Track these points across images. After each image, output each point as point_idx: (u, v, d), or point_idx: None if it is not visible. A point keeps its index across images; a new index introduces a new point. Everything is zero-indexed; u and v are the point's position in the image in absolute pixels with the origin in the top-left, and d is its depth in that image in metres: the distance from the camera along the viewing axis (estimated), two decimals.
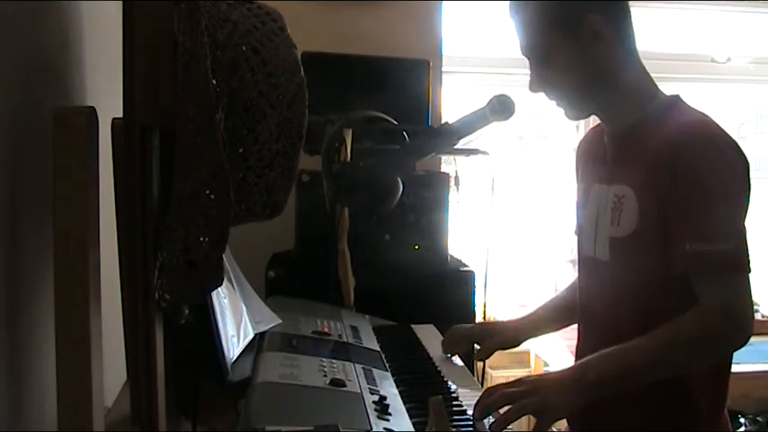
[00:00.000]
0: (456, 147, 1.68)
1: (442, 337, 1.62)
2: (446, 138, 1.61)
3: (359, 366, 1.26)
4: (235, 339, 1.15)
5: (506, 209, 3.18)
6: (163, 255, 0.85)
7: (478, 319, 2.07)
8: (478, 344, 1.56)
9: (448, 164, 2.40)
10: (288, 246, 2.03)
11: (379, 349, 1.45)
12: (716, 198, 1.19)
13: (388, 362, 1.38)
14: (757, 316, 3.15)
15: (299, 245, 1.99)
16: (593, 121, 1.44)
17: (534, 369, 3.12)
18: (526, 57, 1.34)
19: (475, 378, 1.55)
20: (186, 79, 0.85)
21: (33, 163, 0.92)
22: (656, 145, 1.24)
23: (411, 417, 1.11)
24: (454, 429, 1.11)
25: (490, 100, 1.52)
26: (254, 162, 0.96)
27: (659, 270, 1.23)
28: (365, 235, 1.88)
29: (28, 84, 0.92)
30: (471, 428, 1.15)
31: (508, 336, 1.57)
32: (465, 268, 2.04)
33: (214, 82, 0.88)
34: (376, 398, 1.12)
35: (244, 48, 0.93)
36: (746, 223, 1.21)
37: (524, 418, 1.15)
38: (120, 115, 0.89)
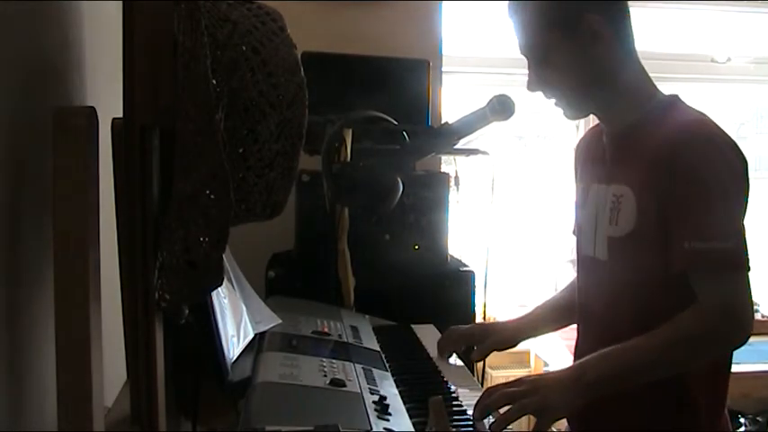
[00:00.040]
0: (456, 147, 1.68)
1: None
2: (446, 138, 1.61)
3: (359, 366, 1.26)
4: (235, 339, 1.15)
5: (506, 209, 3.18)
6: (163, 255, 0.85)
7: (479, 319, 2.07)
8: (475, 345, 1.56)
9: (448, 164, 2.40)
10: (288, 246, 2.03)
11: (379, 349, 1.45)
12: (715, 197, 1.19)
13: (388, 362, 1.38)
14: (757, 316, 3.15)
15: (299, 245, 1.99)
16: (593, 120, 1.44)
17: (534, 369, 3.12)
18: (525, 56, 1.34)
19: (475, 378, 1.55)
20: (186, 79, 0.85)
21: (33, 163, 0.92)
22: (655, 144, 1.25)
23: (411, 417, 1.11)
24: (454, 429, 1.11)
25: (490, 100, 1.52)
26: (254, 162, 0.96)
27: (658, 269, 1.23)
28: (365, 235, 1.88)
29: (28, 84, 0.92)
30: (471, 428, 1.15)
31: (505, 336, 1.56)
32: (465, 268, 2.04)
33: (214, 82, 0.88)
34: (376, 398, 1.12)
35: (244, 48, 0.93)
36: (746, 223, 1.21)
37: (524, 418, 1.15)
38: (120, 115, 0.89)
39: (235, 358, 1.12)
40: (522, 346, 3.06)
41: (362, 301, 1.81)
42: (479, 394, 1.19)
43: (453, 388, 1.33)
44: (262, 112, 0.95)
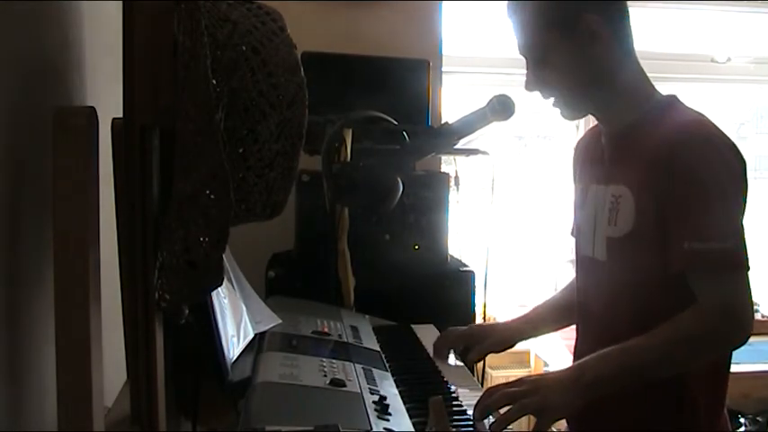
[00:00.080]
0: (456, 147, 1.68)
1: None
2: (446, 138, 1.61)
3: (359, 366, 1.26)
4: (235, 339, 1.15)
5: (506, 209, 3.18)
6: (163, 255, 0.85)
7: (479, 319, 2.07)
8: (472, 346, 1.56)
9: (448, 164, 2.40)
10: (288, 246, 2.03)
11: (379, 349, 1.45)
12: (713, 197, 1.20)
13: (388, 362, 1.38)
14: (757, 316, 3.15)
15: (299, 245, 1.99)
16: (593, 121, 1.44)
17: (534, 369, 3.12)
18: (523, 56, 1.34)
19: (475, 378, 1.55)
20: (186, 79, 0.85)
21: (33, 163, 0.92)
22: (654, 145, 1.25)
23: (411, 417, 1.11)
24: (454, 429, 1.11)
25: (490, 100, 1.52)
26: (254, 162, 0.96)
27: (656, 269, 1.23)
28: (365, 235, 1.88)
29: (28, 84, 0.92)
30: (471, 428, 1.15)
31: (502, 337, 1.56)
32: (465, 268, 2.04)
33: (214, 82, 0.88)
34: (376, 398, 1.12)
35: (244, 48, 0.93)
36: (745, 223, 1.21)
37: (524, 418, 1.15)
38: (120, 115, 0.89)
39: (235, 358, 1.12)
40: (522, 346, 3.06)
41: (362, 301, 1.81)
42: (479, 394, 1.19)
43: (453, 388, 1.33)
44: (262, 112, 0.95)
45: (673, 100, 1.33)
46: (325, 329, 1.45)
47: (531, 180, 3.53)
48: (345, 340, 1.43)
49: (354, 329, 1.53)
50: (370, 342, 1.48)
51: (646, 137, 1.28)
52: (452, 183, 2.05)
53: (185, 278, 0.86)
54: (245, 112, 0.94)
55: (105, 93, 1.19)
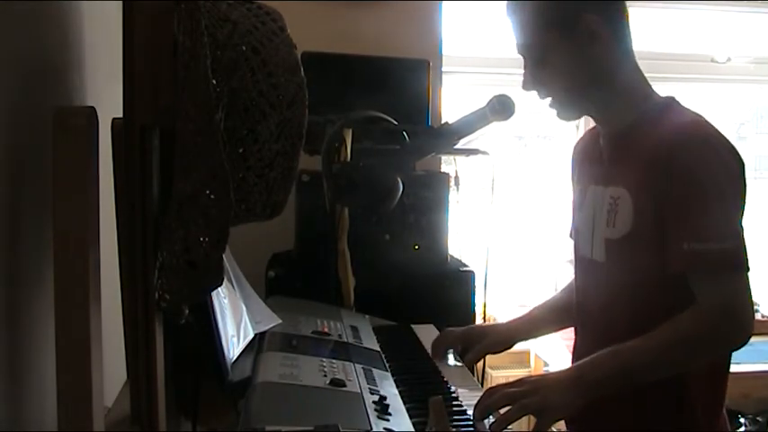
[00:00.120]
0: (456, 147, 1.68)
1: None
2: (446, 138, 1.61)
3: (359, 366, 1.26)
4: (235, 339, 1.15)
5: (506, 209, 3.18)
6: (163, 255, 0.85)
7: (479, 319, 2.07)
8: (470, 346, 1.55)
9: (448, 164, 2.40)
10: (288, 246, 2.03)
11: (379, 349, 1.45)
12: (712, 198, 1.20)
13: (388, 362, 1.38)
14: (757, 316, 3.15)
15: (299, 245, 1.99)
16: (593, 121, 1.44)
17: (534, 369, 3.12)
18: (521, 55, 1.34)
19: (475, 378, 1.55)
20: (186, 79, 0.85)
21: (33, 163, 0.92)
22: (652, 146, 1.25)
23: (411, 417, 1.11)
24: (454, 429, 1.11)
25: (490, 100, 1.52)
26: (254, 162, 0.96)
27: (655, 270, 1.23)
28: (365, 235, 1.88)
29: (28, 84, 0.92)
30: (471, 428, 1.15)
31: (500, 338, 1.56)
32: (465, 268, 2.04)
33: (214, 82, 0.88)
34: (376, 398, 1.12)
35: (244, 48, 0.93)
36: (744, 223, 1.21)
37: (525, 419, 1.15)
38: (120, 115, 0.89)
39: (235, 358, 1.12)
40: (522, 346, 3.06)
41: (362, 301, 1.81)
42: (479, 394, 1.19)
43: (453, 388, 1.33)
44: (262, 112, 0.95)
45: (671, 101, 1.34)
46: (325, 329, 1.45)
47: (531, 180, 3.53)
48: (345, 340, 1.43)
49: (354, 329, 1.53)
50: (370, 342, 1.48)
51: (644, 138, 1.28)
52: (452, 183, 2.05)
53: (185, 278, 0.86)
54: (245, 112, 0.94)
55: (105, 93, 1.18)
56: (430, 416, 1.03)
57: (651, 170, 1.23)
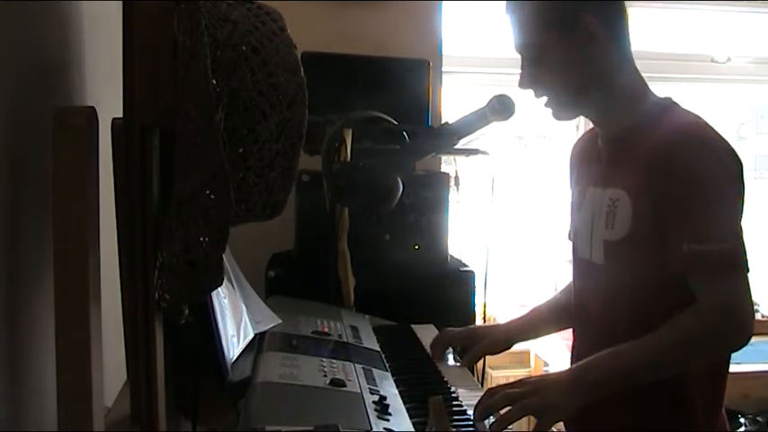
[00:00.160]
0: (456, 147, 1.68)
1: None
2: (446, 138, 1.61)
3: (359, 366, 1.26)
4: (235, 339, 1.15)
5: (506, 209, 3.18)
6: (163, 255, 0.85)
7: (479, 319, 2.07)
8: (469, 347, 1.55)
9: (448, 164, 2.40)
10: (288, 246, 2.03)
11: (379, 349, 1.45)
12: (711, 199, 1.20)
13: (388, 362, 1.38)
14: (757, 316, 3.15)
15: (299, 245, 1.99)
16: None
17: (534, 369, 3.12)
18: (519, 54, 1.34)
19: (475, 378, 1.55)
20: (186, 79, 0.85)
21: (33, 163, 0.92)
22: (651, 147, 1.25)
23: (411, 417, 1.11)
24: (454, 429, 1.11)
25: (490, 100, 1.52)
26: (254, 162, 0.96)
27: (654, 271, 1.23)
28: (365, 235, 1.88)
29: (28, 83, 0.92)
30: (471, 428, 1.15)
31: (498, 338, 1.56)
32: (465, 268, 2.04)
33: (214, 82, 0.88)
34: (376, 398, 1.12)
35: (244, 48, 0.93)
36: (744, 224, 1.21)
37: (525, 419, 1.15)
38: (120, 115, 0.89)
39: (235, 358, 1.12)
40: (522, 346, 3.06)
41: (362, 301, 1.81)
42: (479, 394, 1.19)
43: (453, 388, 1.33)
44: (262, 112, 0.95)
45: (668, 102, 1.33)
46: (325, 329, 1.45)
47: (531, 180, 3.53)
48: (345, 340, 1.43)
49: (354, 329, 1.53)
50: (370, 342, 1.48)
51: (642, 139, 1.28)
52: (452, 183, 2.04)
53: (185, 278, 0.86)
54: (245, 112, 0.94)
55: (105, 93, 1.18)
56: (430, 416, 1.03)
57: (650, 172, 1.23)
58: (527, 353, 3.15)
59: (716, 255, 1.17)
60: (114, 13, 0.94)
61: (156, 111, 0.86)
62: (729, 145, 1.25)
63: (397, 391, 1.21)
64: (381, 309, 1.80)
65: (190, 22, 0.85)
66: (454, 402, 1.24)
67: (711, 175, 1.21)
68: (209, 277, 0.89)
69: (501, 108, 1.51)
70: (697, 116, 1.30)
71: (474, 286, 2.03)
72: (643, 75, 1.36)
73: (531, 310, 1.63)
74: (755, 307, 2.97)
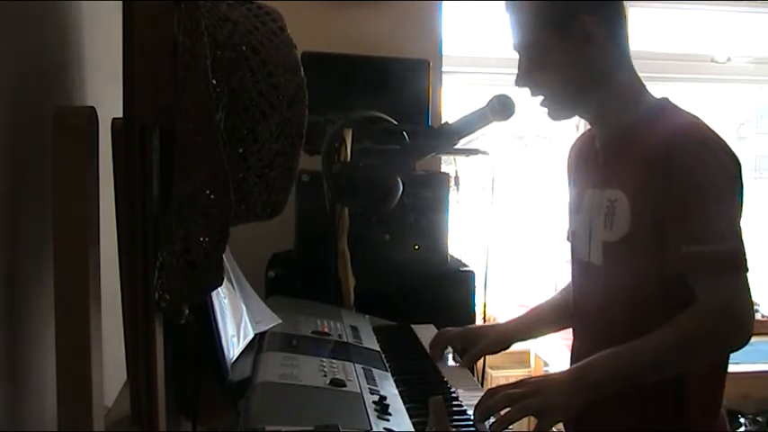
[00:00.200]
0: (456, 147, 1.68)
1: None
2: (446, 138, 1.61)
3: (359, 366, 1.26)
4: (235, 339, 1.15)
5: (506, 209, 3.18)
6: (163, 255, 0.85)
7: (479, 318, 2.07)
8: (467, 347, 1.55)
9: (448, 164, 2.40)
10: (288, 246, 2.03)
11: (379, 349, 1.45)
12: (710, 199, 1.20)
13: (388, 362, 1.38)
14: (757, 316, 3.15)
15: (299, 245, 1.99)
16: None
17: (534, 369, 3.12)
18: (517, 52, 1.34)
19: (475, 378, 1.55)
20: (186, 79, 0.85)
21: (33, 163, 0.92)
22: (649, 147, 1.25)
23: (411, 417, 1.11)
24: (454, 429, 1.11)
25: (490, 100, 1.52)
26: (254, 162, 0.96)
27: (653, 272, 1.23)
28: (365, 235, 1.88)
29: (28, 84, 0.92)
30: (471, 428, 1.15)
31: (498, 338, 1.56)
32: (465, 268, 2.04)
33: (214, 82, 0.88)
34: (376, 398, 1.12)
35: (244, 48, 0.93)
36: (743, 224, 1.21)
37: (525, 419, 1.15)
38: (120, 115, 0.89)
39: (235, 358, 1.12)
40: (522, 346, 3.06)
41: (362, 301, 1.81)
42: (479, 394, 1.19)
43: (453, 388, 1.33)
44: (262, 112, 0.95)
45: (665, 102, 1.33)
46: (325, 329, 1.45)
47: (531, 180, 3.53)
48: (345, 340, 1.43)
49: (354, 329, 1.53)
50: (370, 342, 1.48)
51: (640, 140, 1.28)
52: (452, 183, 2.04)
53: (185, 278, 0.86)
54: (245, 112, 0.94)
55: (105, 93, 1.18)
56: (430, 416, 1.03)
57: (648, 172, 1.23)
58: (527, 353, 3.15)
59: (715, 255, 1.17)
60: (114, 13, 0.94)
61: (156, 111, 0.86)
62: (727, 145, 1.25)
63: (396, 391, 1.21)
64: (381, 309, 1.80)
65: (190, 22, 0.85)
66: (454, 402, 1.24)
67: (710, 175, 1.21)
68: (209, 277, 0.89)
69: (501, 108, 1.51)
70: (694, 116, 1.30)
71: (474, 286, 2.03)
72: (643, 75, 1.36)
73: (531, 310, 1.63)
74: (755, 307, 2.98)
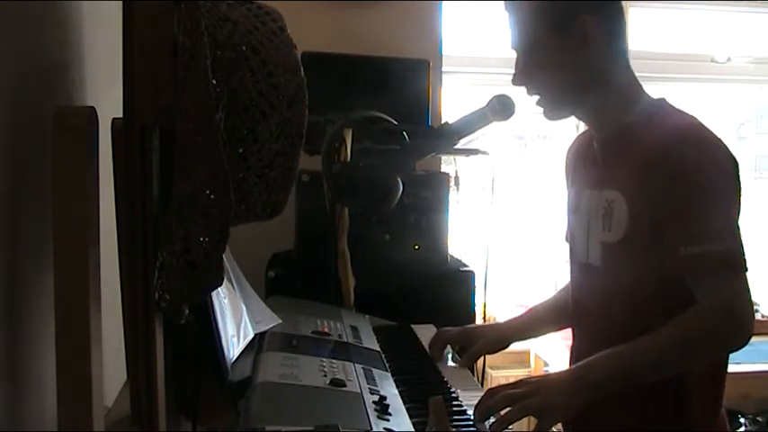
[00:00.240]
0: (456, 147, 1.68)
1: None
2: (446, 138, 1.61)
3: (359, 366, 1.26)
4: (235, 339, 1.15)
5: (506, 209, 3.18)
6: (163, 255, 0.85)
7: (479, 318, 2.07)
8: (466, 347, 1.55)
9: (448, 164, 2.40)
10: (288, 246, 2.03)
11: (379, 349, 1.45)
12: (709, 199, 1.20)
13: (388, 362, 1.38)
14: (757, 316, 3.15)
15: (299, 245, 1.99)
16: None
17: (534, 369, 3.12)
18: (515, 50, 1.34)
19: (475, 378, 1.55)
20: (186, 79, 0.85)
21: (33, 163, 0.92)
22: (646, 148, 1.25)
23: (411, 417, 1.11)
24: (454, 429, 1.11)
25: (490, 100, 1.52)
26: (254, 162, 0.96)
27: (652, 272, 1.23)
28: (365, 235, 1.88)
29: (28, 84, 0.92)
30: (471, 428, 1.15)
31: (497, 337, 1.56)
32: (465, 268, 2.04)
33: (214, 82, 0.88)
34: (376, 398, 1.12)
35: (244, 48, 0.93)
36: (741, 223, 1.21)
37: (525, 419, 1.15)
38: (120, 115, 0.89)
39: (235, 358, 1.12)
40: (522, 346, 3.06)
41: (362, 301, 1.81)
42: (479, 394, 1.19)
43: (453, 388, 1.33)
44: (262, 112, 0.95)
45: (662, 102, 1.33)
46: (325, 329, 1.45)
47: (531, 180, 3.53)
48: (345, 340, 1.43)
49: (354, 329, 1.53)
50: (370, 342, 1.48)
51: (637, 140, 1.28)
52: (452, 183, 2.04)
53: (185, 278, 0.86)
54: (245, 112, 0.94)
55: (105, 93, 1.18)
56: (430, 416, 1.03)
57: (645, 173, 1.23)
58: (527, 353, 3.15)
59: (714, 255, 1.17)
60: (114, 13, 0.94)
61: (156, 111, 0.86)
62: (724, 144, 1.25)
63: (396, 391, 1.21)
64: (381, 309, 1.80)
65: (190, 22, 0.85)
66: (454, 402, 1.24)
67: (707, 175, 1.21)
68: (209, 277, 0.89)
69: (501, 108, 1.51)
70: (692, 116, 1.30)
71: (474, 286, 2.03)
72: (643, 75, 1.36)
73: (529, 309, 1.63)
74: (755, 307, 2.98)
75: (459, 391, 1.31)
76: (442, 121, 1.66)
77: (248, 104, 0.94)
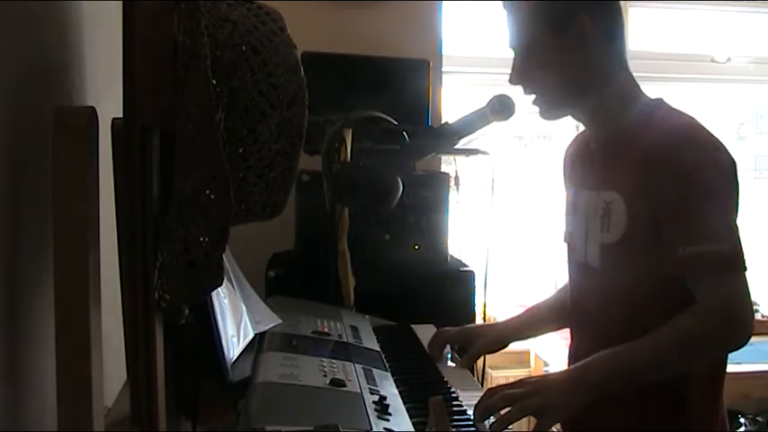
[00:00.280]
0: (456, 147, 1.68)
1: None
2: (446, 138, 1.61)
3: (359, 366, 1.26)
4: (235, 339, 1.15)
5: (506, 209, 3.18)
6: (163, 255, 0.85)
7: (479, 318, 2.07)
8: (465, 346, 1.55)
9: (448, 164, 2.40)
10: (288, 246, 2.03)
11: (379, 349, 1.45)
12: (707, 199, 1.20)
13: (388, 362, 1.38)
14: (757, 316, 3.15)
15: (299, 245, 1.99)
16: None
17: (534, 369, 3.12)
18: (512, 49, 1.34)
19: (475, 378, 1.55)
20: (186, 79, 0.85)
21: (33, 163, 0.92)
22: (644, 148, 1.25)
23: (411, 417, 1.11)
24: (454, 429, 1.11)
25: (490, 100, 1.52)
26: (254, 162, 0.96)
27: (651, 272, 1.23)
28: (365, 235, 1.88)
29: (28, 84, 0.92)
30: (471, 428, 1.15)
31: (496, 337, 1.56)
32: (465, 268, 2.04)
33: (214, 82, 0.88)
34: (376, 398, 1.12)
35: (244, 48, 0.93)
36: (739, 222, 1.21)
37: (525, 419, 1.15)
38: (120, 115, 0.89)
39: (235, 358, 1.12)
40: (522, 346, 3.06)
41: (362, 301, 1.81)
42: (479, 394, 1.19)
43: (453, 388, 1.33)
44: (262, 112, 0.95)
45: (660, 102, 1.33)
46: (325, 329, 1.45)
47: (531, 180, 3.53)
48: (345, 340, 1.43)
49: (354, 329, 1.53)
50: (370, 342, 1.48)
51: (635, 141, 1.28)
52: (452, 183, 2.04)
53: (185, 278, 0.86)
54: (245, 112, 0.94)
55: (105, 93, 1.18)
56: (430, 416, 1.03)
57: (643, 173, 1.23)
58: (527, 353, 3.15)
59: (713, 255, 1.17)
60: (114, 13, 0.94)
61: (156, 111, 0.86)
62: (722, 144, 1.25)
63: (396, 391, 1.21)
64: (381, 309, 1.80)
65: (190, 22, 0.85)
66: (454, 402, 1.24)
67: (705, 175, 1.21)
68: (209, 277, 0.89)
69: (501, 108, 1.51)
70: (689, 116, 1.30)
71: (474, 286, 2.03)
72: (643, 75, 1.36)
73: (529, 309, 1.63)
74: (755, 307, 2.98)
75: (458, 391, 1.31)
76: (442, 121, 1.66)
77: (248, 104, 0.94)
